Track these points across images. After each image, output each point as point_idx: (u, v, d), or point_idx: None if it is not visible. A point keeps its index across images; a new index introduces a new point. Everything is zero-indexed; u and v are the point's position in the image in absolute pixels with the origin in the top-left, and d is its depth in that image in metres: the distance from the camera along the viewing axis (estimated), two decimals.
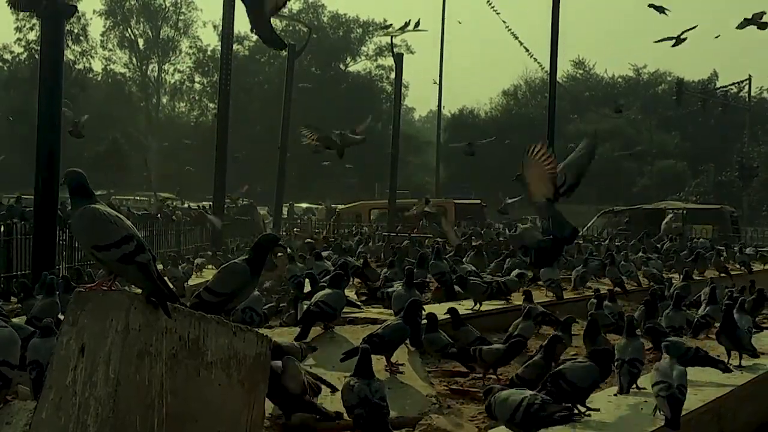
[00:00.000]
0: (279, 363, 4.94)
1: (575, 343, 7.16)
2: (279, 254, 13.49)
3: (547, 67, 24.25)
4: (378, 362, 6.16)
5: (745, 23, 13.31)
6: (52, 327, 5.12)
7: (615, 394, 5.50)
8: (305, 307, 7.46)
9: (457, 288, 9.82)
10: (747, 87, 55.96)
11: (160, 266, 10.58)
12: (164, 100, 76.90)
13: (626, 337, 5.79)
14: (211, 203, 20.82)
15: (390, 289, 8.62)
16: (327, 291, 7.18)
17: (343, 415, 5.08)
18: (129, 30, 70.58)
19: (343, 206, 33.51)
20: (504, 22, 43.75)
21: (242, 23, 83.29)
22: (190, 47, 71.51)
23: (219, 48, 19.32)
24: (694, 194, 48.23)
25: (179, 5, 71.07)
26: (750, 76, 55.45)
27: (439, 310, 7.52)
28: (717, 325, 7.01)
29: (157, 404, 3.52)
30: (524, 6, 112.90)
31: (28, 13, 55.99)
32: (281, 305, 9.15)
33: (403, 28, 26.06)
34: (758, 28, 13.28)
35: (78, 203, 3.69)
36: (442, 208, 30.22)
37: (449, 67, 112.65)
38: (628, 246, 15.82)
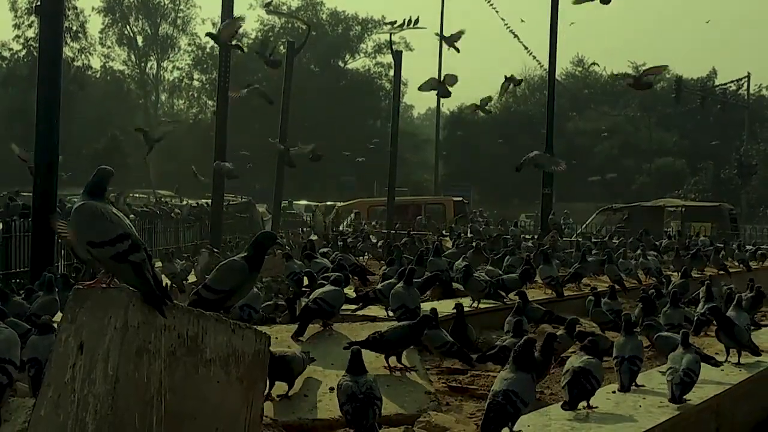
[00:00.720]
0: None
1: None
2: (278, 251, 13.50)
3: (546, 65, 24.30)
4: (377, 361, 6.17)
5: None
6: (51, 324, 5.12)
7: (614, 392, 5.50)
8: (303, 303, 7.46)
9: (455, 285, 9.84)
10: (746, 84, 56.02)
11: (158, 264, 10.65)
12: (163, 98, 76.94)
13: (624, 334, 5.81)
14: (209, 201, 20.81)
15: (383, 283, 8.58)
16: (326, 288, 7.18)
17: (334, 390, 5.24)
18: (128, 27, 70.61)
19: (342, 204, 33.52)
20: (503, 20, 43.80)
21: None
22: (189, 44, 71.55)
23: (217, 45, 19.26)
24: (692, 192, 48.26)
25: (178, 2, 71.06)
26: (749, 73, 55.58)
27: (438, 307, 7.50)
28: (716, 322, 7.01)
29: (155, 401, 3.52)
30: (523, 4, 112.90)
31: (27, 11, 56.14)
32: (280, 303, 9.14)
33: (401, 26, 26.06)
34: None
35: (80, 199, 3.68)
36: (441, 206, 30.27)
37: (448, 65, 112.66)
38: (627, 243, 15.81)
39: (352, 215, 28.99)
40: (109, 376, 3.34)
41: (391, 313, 7.48)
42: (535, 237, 19.93)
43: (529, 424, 4.86)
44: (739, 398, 6.02)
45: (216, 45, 18.38)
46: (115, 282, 3.62)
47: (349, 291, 9.30)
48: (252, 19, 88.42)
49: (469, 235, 17.44)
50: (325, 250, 12.96)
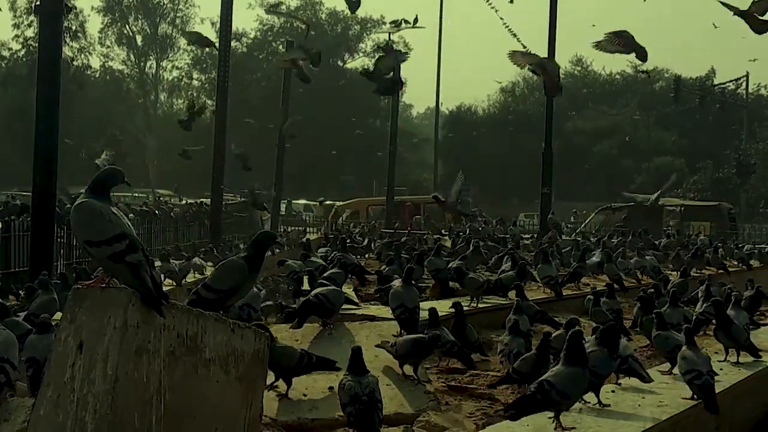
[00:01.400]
0: None
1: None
2: (277, 250, 13.52)
3: None
4: (376, 360, 6.17)
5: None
6: (50, 323, 5.12)
7: (612, 391, 5.50)
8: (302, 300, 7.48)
9: (454, 285, 9.84)
10: (745, 84, 56.04)
11: (157, 263, 10.66)
12: (162, 97, 76.88)
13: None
14: (209, 200, 20.81)
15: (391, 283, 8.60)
16: (327, 287, 7.21)
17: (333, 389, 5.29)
18: (127, 27, 70.51)
19: (341, 203, 33.53)
20: (502, 18, 43.82)
21: (240, 20, 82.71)
22: (188, 44, 71.42)
23: (217, 45, 19.26)
24: (691, 191, 48.22)
25: (177, 2, 71.01)
26: (747, 73, 55.60)
27: (437, 306, 7.51)
28: (715, 322, 7.02)
29: (155, 401, 3.52)
30: (522, 2, 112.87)
31: (26, 10, 56.12)
32: (279, 301, 9.15)
33: (399, 25, 26.04)
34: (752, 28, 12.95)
35: (84, 196, 3.67)
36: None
37: (447, 64, 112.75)
38: (626, 243, 15.81)
39: (346, 214, 29.03)
40: (108, 376, 3.34)
41: None
42: (534, 236, 19.94)
43: (528, 423, 4.86)
44: (739, 397, 6.01)
45: (217, 42, 18.32)
46: (114, 282, 3.62)
47: (348, 290, 9.31)
48: (251, 18, 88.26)
49: (467, 233, 17.43)
50: (324, 250, 12.96)
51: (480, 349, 7.22)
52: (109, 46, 70.60)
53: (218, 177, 19.23)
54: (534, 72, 12.10)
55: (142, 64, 71.94)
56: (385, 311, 7.87)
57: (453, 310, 7.25)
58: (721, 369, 6.19)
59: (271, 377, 5.36)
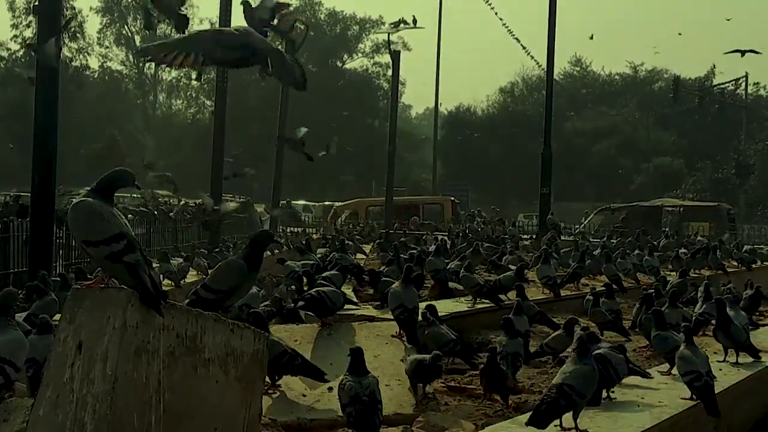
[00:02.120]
0: None
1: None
2: (276, 250, 13.51)
3: (544, 65, 24.29)
4: (376, 360, 6.17)
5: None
6: (50, 323, 5.12)
7: (612, 391, 5.50)
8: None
9: (454, 285, 9.85)
10: (744, 84, 56.09)
11: (156, 264, 10.65)
12: (161, 98, 76.86)
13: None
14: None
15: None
16: (327, 287, 7.22)
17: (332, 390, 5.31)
18: (126, 27, 70.48)
19: (340, 203, 33.51)
20: (501, 19, 43.82)
21: (239, 20, 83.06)
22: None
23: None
24: (690, 192, 48.22)
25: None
26: (747, 73, 55.65)
27: (437, 307, 7.51)
28: (714, 322, 7.02)
29: (154, 401, 3.52)
30: (521, 3, 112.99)
31: (25, 11, 56.11)
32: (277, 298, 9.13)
33: (397, 25, 26.06)
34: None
35: (83, 195, 3.67)
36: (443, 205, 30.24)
37: (446, 65, 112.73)
38: (625, 243, 15.81)
39: (345, 214, 29.02)
40: (107, 376, 3.34)
41: None
42: (534, 237, 19.94)
43: (528, 423, 4.85)
44: (738, 398, 6.02)
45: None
46: (113, 282, 3.61)
47: (347, 290, 9.31)
48: None
49: (468, 234, 17.43)
50: (323, 250, 12.96)
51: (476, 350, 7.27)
52: (107, 47, 70.66)
53: (217, 178, 19.20)
54: None
55: (140, 64, 71.91)
56: (385, 311, 7.87)
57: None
58: (720, 369, 6.20)
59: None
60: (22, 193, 15.94)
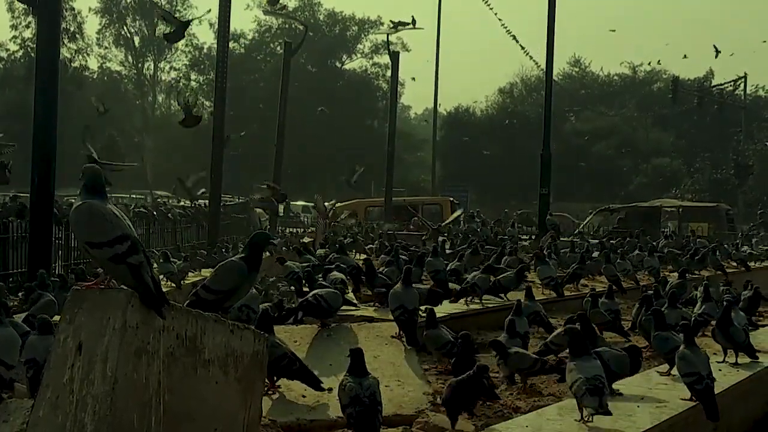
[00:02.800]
0: None
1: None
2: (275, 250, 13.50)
3: (543, 65, 24.30)
4: (375, 360, 6.17)
5: None
6: (51, 324, 5.11)
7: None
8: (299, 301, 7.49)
9: (453, 286, 9.84)
10: (742, 85, 56.07)
11: (156, 265, 10.66)
12: (160, 98, 76.84)
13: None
14: (206, 201, 20.80)
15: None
16: (325, 289, 7.21)
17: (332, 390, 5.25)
18: (125, 28, 70.45)
19: (339, 204, 33.49)
20: (500, 20, 43.74)
21: (238, 21, 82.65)
22: (186, 45, 71.35)
23: (215, 46, 19.28)
24: (689, 192, 48.23)
25: (175, 3, 70.96)
26: (745, 74, 55.61)
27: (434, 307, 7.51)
28: (714, 323, 7.03)
29: (154, 402, 3.52)
30: (520, 4, 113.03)
31: (24, 11, 56.07)
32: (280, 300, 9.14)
33: (396, 26, 26.08)
34: None
35: (80, 197, 3.66)
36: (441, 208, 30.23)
37: (445, 65, 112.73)
38: (624, 244, 15.83)
39: (344, 215, 29.02)
40: (107, 377, 3.34)
41: None
42: (533, 238, 19.94)
43: (527, 424, 4.86)
44: (737, 399, 6.02)
45: (213, 46, 18.31)
46: (113, 282, 3.61)
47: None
48: (249, 19, 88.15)
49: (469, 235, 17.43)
50: (322, 251, 12.95)
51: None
52: (106, 47, 70.57)
53: (217, 178, 19.22)
54: None
55: (139, 65, 71.89)
56: (384, 312, 7.87)
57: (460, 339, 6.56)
58: (719, 370, 6.20)
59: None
60: (21, 194, 15.93)
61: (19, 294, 8.66)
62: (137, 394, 3.44)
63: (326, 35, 67.84)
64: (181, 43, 70.46)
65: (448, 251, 13.55)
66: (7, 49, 63.86)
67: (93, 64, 69.98)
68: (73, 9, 59.74)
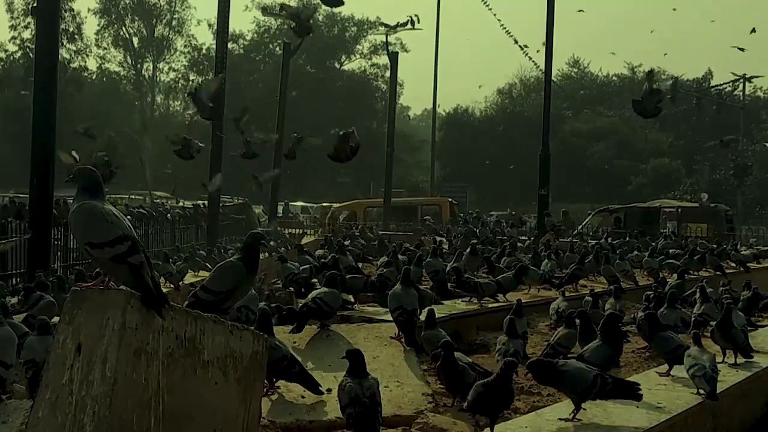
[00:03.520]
0: None
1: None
2: (273, 253, 13.49)
3: (542, 66, 24.33)
4: (374, 361, 6.16)
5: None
6: (50, 325, 5.11)
7: None
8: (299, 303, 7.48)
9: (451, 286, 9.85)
10: (741, 86, 56.11)
11: (156, 265, 10.66)
12: (159, 99, 76.85)
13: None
14: (206, 202, 20.80)
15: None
16: (323, 290, 7.20)
17: (331, 391, 5.24)
18: (123, 28, 70.43)
19: (338, 205, 33.50)
20: (499, 20, 43.75)
21: (237, 22, 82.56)
22: (185, 46, 71.38)
23: (214, 46, 19.27)
24: (688, 193, 48.26)
25: (173, 4, 70.98)
26: (745, 75, 55.60)
27: (435, 309, 7.51)
28: (713, 323, 7.03)
29: (153, 403, 3.51)
30: (519, 4, 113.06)
31: (23, 12, 56.08)
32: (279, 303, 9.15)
33: (395, 27, 26.07)
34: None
35: (79, 198, 3.66)
36: (437, 206, 30.27)
37: (444, 66, 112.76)
38: (623, 244, 15.82)
39: (343, 215, 29.04)
40: (107, 378, 3.34)
41: None
42: (532, 238, 19.94)
43: (526, 425, 4.86)
44: (736, 399, 6.02)
45: (212, 47, 18.23)
46: (113, 283, 3.61)
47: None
48: (248, 20, 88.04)
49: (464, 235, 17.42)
50: (321, 251, 12.95)
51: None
52: (105, 48, 70.57)
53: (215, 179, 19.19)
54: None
55: (138, 66, 71.87)
56: (383, 312, 7.86)
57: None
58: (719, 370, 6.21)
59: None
60: (20, 195, 15.93)
61: (16, 297, 8.65)
62: (136, 395, 3.44)
63: (325, 36, 67.85)
64: (180, 44, 70.58)
65: (445, 251, 13.54)
66: (6, 50, 63.89)
67: (92, 64, 70.03)
68: (72, 10, 59.77)
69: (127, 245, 3.51)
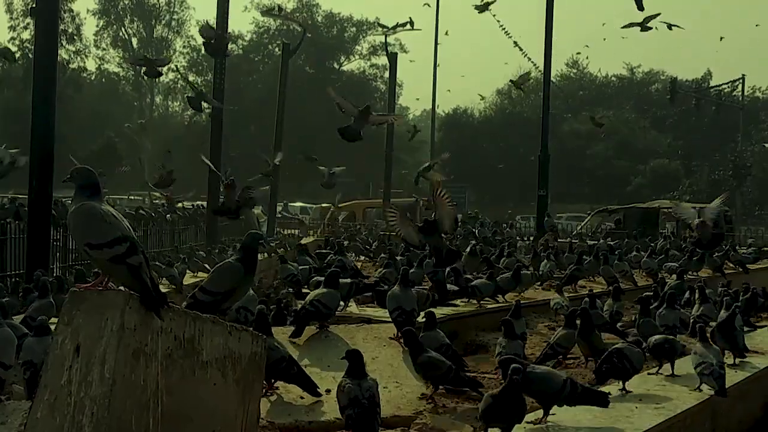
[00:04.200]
0: None
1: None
2: (272, 253, 13.49)
3: (541, 67, 24.32)
4: (373, 362, 6.16)
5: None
6: (48, 326, 5.11)
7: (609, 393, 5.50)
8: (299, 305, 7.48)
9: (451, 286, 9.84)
10: (740, 86, 56.14)
11: (159, 268, 10.66)
12: (158, 100, 76.82)
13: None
14: (205, 203, 20.78)
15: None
16: (322, 290, 7.18)
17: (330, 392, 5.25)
18: (122, 29, 70.45)
19: (341, 204, 33.46)
20: (499, 21, 43.70)
21: (236, 22, 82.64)
22: (184, 47, 71.42)
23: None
24: (687, 193, 48.26)
25: (173, 4, 70.99)
26: (743, 75, 55.68)
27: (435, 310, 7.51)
28: (712, 324, 7.04)
29: (152, 404, 3.51)
30: (519, 5, 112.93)
31: (22, 13, 56.05)
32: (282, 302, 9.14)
33: (394, 28, 26.06)
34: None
35: (78, 199, 3.66)
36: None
37: (443, 66, 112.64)
38: (622, 245, 15.83)
39: (342, 216, 29.02)
40: (105, 379, 3.34)
41: None
42: (531, 239, 19.95)
43: (525, 426, 4.85)
44: (736, 399, 6.02)
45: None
46: (111, 284, 3.61)
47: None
48: (247, 21, 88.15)
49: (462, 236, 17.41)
50: (321, 252, 12.94)
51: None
52: (104, 49, 70.59)
53: (215, 179, 19.19)
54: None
55: (137, 66, 71.83)
56: (382, 312, 7.86)
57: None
58: None
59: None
60: (19, 195, 15.90)
61: (19, 295, 8.62)
62: (135, 396, 3.44)
63: (324, 36, 67.87)
64: (178, 45, 70.56)
65: None
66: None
67: (91, 65, 69.98)
68: (72, 10, 59.68)
69: (125, 246, 3.51)
